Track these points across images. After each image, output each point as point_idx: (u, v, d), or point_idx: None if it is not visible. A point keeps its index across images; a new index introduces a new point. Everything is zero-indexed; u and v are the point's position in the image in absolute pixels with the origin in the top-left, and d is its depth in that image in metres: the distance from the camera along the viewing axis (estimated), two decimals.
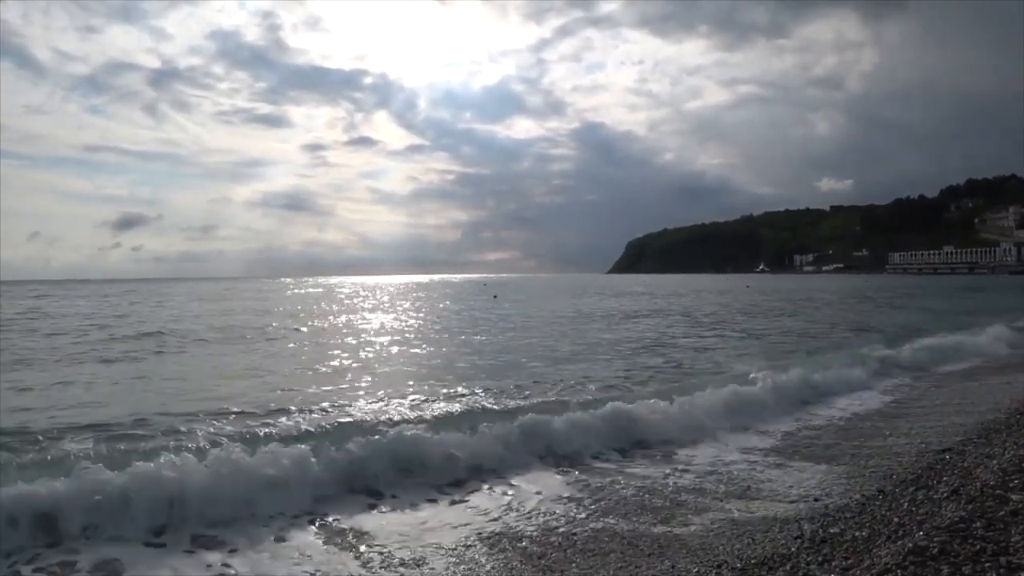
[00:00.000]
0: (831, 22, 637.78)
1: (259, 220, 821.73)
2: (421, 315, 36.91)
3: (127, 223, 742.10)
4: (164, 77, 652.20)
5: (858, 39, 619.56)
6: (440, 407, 10.37)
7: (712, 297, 55.79)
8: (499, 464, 7.69)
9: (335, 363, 16.47)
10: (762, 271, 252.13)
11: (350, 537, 5.81)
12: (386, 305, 48.45)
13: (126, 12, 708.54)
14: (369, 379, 13.69)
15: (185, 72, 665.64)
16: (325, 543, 5.68)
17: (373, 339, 22.73)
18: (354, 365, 16.16)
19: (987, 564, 4.00)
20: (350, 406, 10.61)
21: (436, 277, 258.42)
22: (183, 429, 8.70)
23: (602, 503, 6.65)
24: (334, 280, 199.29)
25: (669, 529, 5.89)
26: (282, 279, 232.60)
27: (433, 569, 5.16)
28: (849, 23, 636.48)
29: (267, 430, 8.57)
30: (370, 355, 18.31)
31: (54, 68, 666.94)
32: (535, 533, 5.88)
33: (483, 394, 11.60)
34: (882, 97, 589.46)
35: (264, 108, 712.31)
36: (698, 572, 4.85)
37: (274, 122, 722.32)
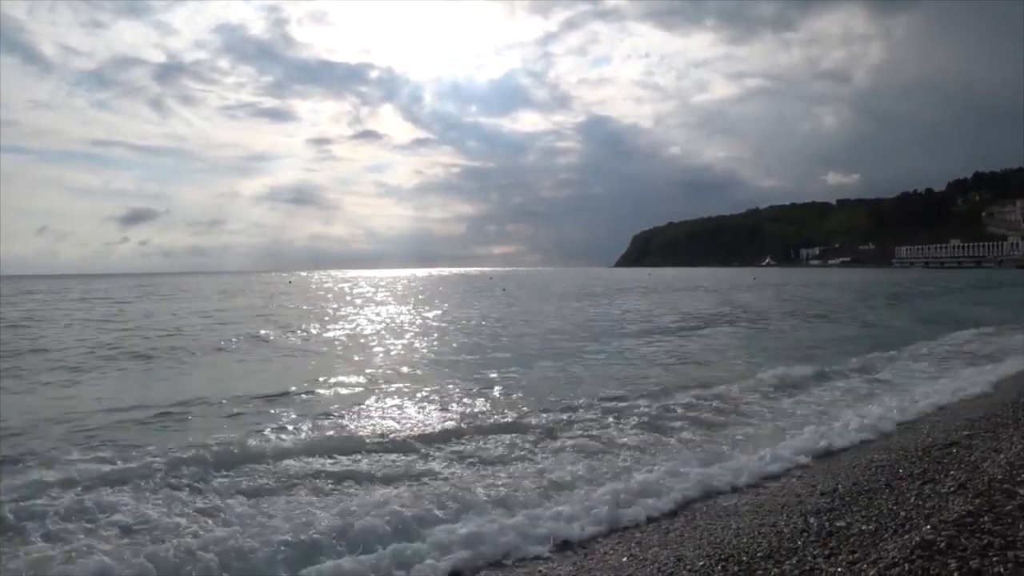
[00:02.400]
0: (839, 16, 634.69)
1: (265, 214, 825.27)
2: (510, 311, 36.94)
3: (134, 218, 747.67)
4: (170, 72, 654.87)
5: (866, 33, 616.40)
6: None
7: (763, 293, 51.95)
8: None
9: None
10: (768, 264, 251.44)
11: None
12: (431, 301, 47.34)
13: (131, 7, 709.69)
14: None
15: (191, 67, 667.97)
16: None
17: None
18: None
19: (995, 558, 3.98)
20: None
21: (442, 271, 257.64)
22: None
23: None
24: (351, 274, 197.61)
25: (673, 522, 5.91)
26: (298, 272, 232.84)
27: None
28: (857, 17, 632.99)
29: None
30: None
31: (60, 63, 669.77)
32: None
33: None
34: (890, 91, 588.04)
35: (270, 102, 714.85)
36: (704, 566, 4.84)
37: (280, 116, 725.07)
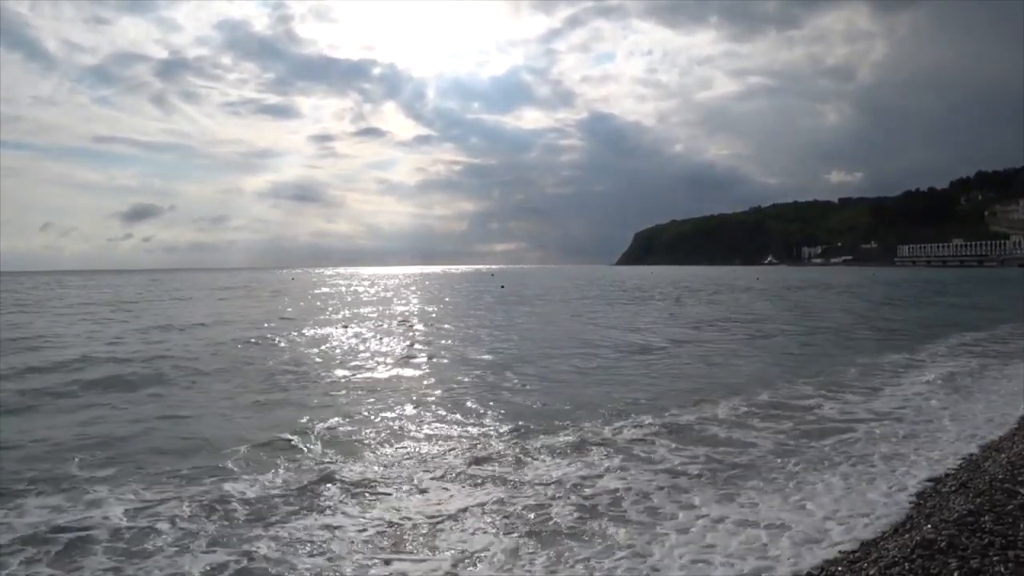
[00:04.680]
0: (843, 13, 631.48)
1: (268, 211, 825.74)
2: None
3: (138, 214, 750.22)
4: (172, 68, 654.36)
5: (870, 30, 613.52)
6: None
7: (814, 293, 49.00)
8: None
9: None
10: (770, 263, 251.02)
11: None
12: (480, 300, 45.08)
13: (134, 3, 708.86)
14: None
15: (193, 63, 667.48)
16: None
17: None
18: None
19: (996, 558, 3.98)
20: None
21: (449, 268, 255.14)
22: None
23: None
24: (366, 272, 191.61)
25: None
26: (307, 269, 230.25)
27: None
28: (861, 14, 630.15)
29: None
30: None
31: (63, 59, 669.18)
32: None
33: None
34: (893, 88, 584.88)
35: (272, 99, 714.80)
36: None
37: (282, 113, 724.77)
